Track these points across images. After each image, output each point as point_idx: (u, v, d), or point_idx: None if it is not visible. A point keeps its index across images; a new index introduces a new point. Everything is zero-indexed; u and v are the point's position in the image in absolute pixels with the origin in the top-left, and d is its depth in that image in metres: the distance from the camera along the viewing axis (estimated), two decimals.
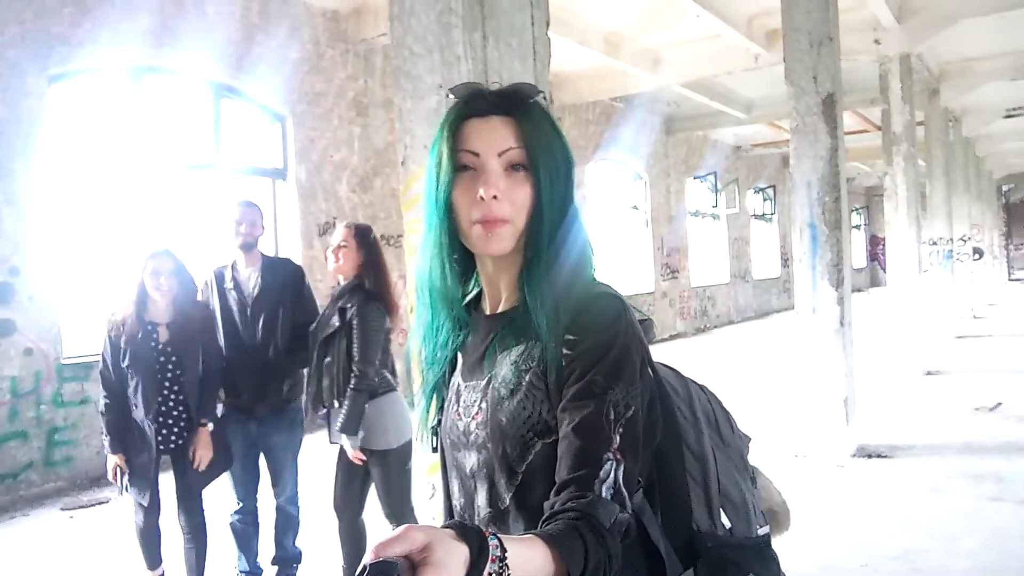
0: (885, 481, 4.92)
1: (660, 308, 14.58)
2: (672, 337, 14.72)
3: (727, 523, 1.13)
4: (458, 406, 1.11)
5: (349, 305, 3.10)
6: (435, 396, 1.18)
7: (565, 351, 0.99)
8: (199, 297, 3.40)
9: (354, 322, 3.06)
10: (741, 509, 1.15)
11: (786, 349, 7.81)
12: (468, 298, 1.16)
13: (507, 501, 1.03)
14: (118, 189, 6.61)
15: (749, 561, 1.12)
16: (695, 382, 1.22)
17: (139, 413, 3.16)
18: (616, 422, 0.94)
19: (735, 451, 1.21)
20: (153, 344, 3.16)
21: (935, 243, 11.65)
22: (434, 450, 1.20)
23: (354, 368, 3.04)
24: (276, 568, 3.60)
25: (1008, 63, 10.86)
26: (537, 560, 0.78)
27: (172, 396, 3.18)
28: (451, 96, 1.10)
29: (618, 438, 0.94)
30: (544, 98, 1.09)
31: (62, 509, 5.20)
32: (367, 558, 0.64)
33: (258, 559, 3.61)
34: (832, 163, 5.45)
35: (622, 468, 0.93)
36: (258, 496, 3.58)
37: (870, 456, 5.45)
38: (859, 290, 25.51)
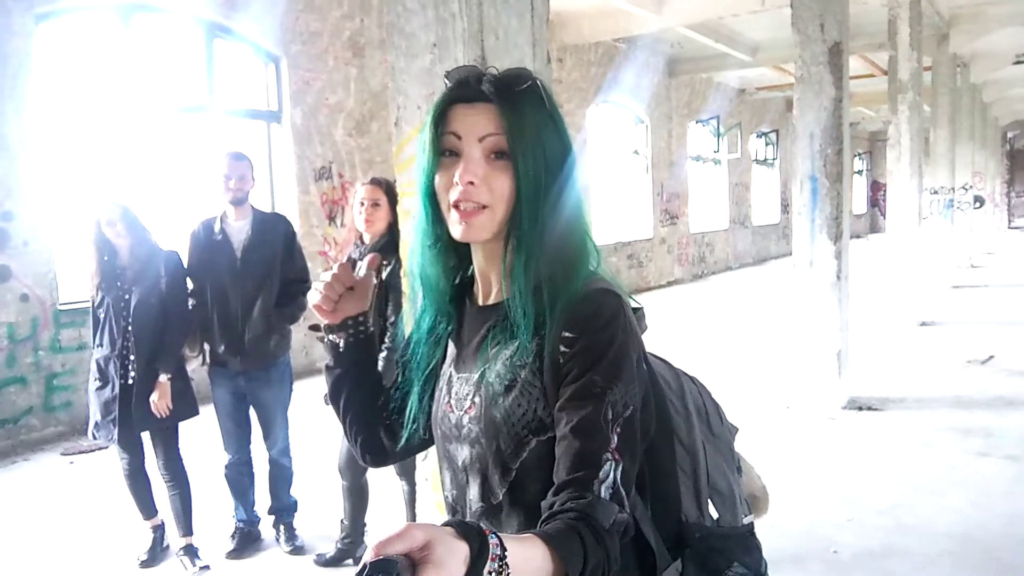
0: (875, 434, 4.98)
1: (658, 254, 14.56)
2: (669, 284, 14.75)
3: (715, 514, 1.15)
4: (450, 397, 1.10)
5: (385, 263, 3.05)
6: (426, 382, 1.17)
7: (562, 348, 0.98)
8: (164, 242, 3.48)
9: (392, 281, 3.02)
10: (728, 500, 1.16)
11: (782, 297, 7.84)
12: (461, 281, 1.14)
13: (500, 496, 1.03)
14: (110, 131, 6.50)
15: (734, 550, 1.14)
16: (686, 374, 1.22)
17: (103, 351, 3.29)
18: (614, 422, 0.94)
19: (724, 443, 1.21)
20: (119, 285, 3.28)
21: (936, 192, 11.56)
22: (420, 439, 1.20)
23: (389, 327, 3.01)
24: (273, 517, 3.68)
25: (1022, 7, 10.59)
26: (536, 559, 0.78)
27: (132, 335, 3.27)
28: (447, 81, 1.06)
29: (616, 438, 0.94)
30: (540, 84, 1.04)
31: (62, 454, 5.28)
32: (368, 556, 0.63)
33: (255, 508, 3.69)
34: (836, 114, 5.37)
35: (620, 468, 0.93)
36: (251, 448, 3.63)
37: (861, 409, 5.51)
38: (858, 236, 25.47)
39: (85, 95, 6.17)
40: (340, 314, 1.18)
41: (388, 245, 3.07)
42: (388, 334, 3.01)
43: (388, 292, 3.03)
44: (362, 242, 3.17)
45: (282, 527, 3.64)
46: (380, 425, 1.23)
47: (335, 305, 1.17)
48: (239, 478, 3.59)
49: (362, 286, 1.18)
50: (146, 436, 3.41)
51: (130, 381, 3.27)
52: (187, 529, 3.47)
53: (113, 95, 6.29)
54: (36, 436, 5.56)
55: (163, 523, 3.55)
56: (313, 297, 1.17)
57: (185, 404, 3.39)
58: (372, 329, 1.23)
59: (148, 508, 3.50)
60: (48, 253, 5.71)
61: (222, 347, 3.43)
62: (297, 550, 3.56)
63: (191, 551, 3.45)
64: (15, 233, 5.49)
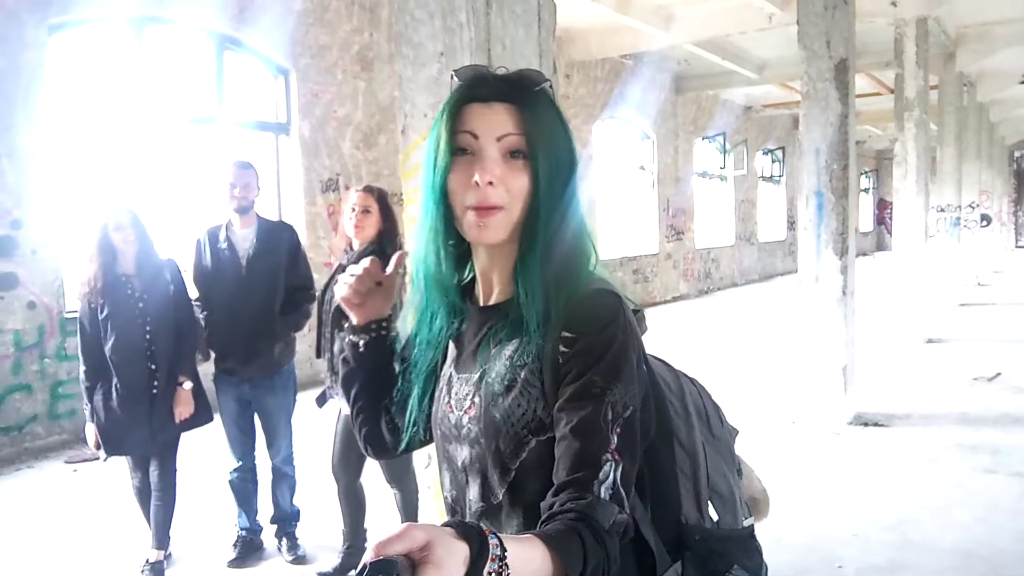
0: (880, 450, 4.95)
1: (664, 269, 14.55)
2: (675, 299, 14.72)
3: (714, 516, 1.14)
4: (449, 397, 1.10)
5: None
6: (426, 384, 1.17)
7: (562, 348, 0.98)
8: (169, 252, 3.46)
9: None
10: (728, 502, 1.16)
11: (788, 313, 7.83)
12: (463, 283, 1.14)
13: (500, 496, 1.03)
14: (120, 142, 6.55)
15: (734, 552, 1.14)
16: (686, 375, 1.22)
17: (116, 362, 3.18)
18: (614, 422, 0.94)
19: (724, 444, 1.21)
20: (130, 293, 3.21)
21: (943, 210, 11.54)
22: (420, 441, 1.20)
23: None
24: (275, 526, 3.67)
25: None
26: (536, 560, 0.78)
27: (152, 345, 3.22)
28: (455, 78, 1.06)
29: (616, 438, 0.93)
30: (551, 86, 1.06)
31: (66, 462, 5.28)
32: (367, 556, 0.64)
33: (258, 516, 3.68)
34: (842, 130, 5.38)
35: (620, 468, 0.92)
36: (255, 455, 3.63)
37: (867, 425, 5.48)
38: (865, 254, 25.38)
39: (96, 106, 6.22)
40: (365, 314, 1.21)
41: (376, 252, 3.10)
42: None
43: None
44: (351, 248, 3.19)
45: (284, 536, 3.63)
46: (384, 422, 1.24)
47: (363, 299, 1.19)
48: (243, 485, 3.59)
49: (389, 283, 1.21)
50: None
51: (154, 391, 3.23)
52: (162, 543, 3.39)
53: (124, 106, 6.34)
54: (40, 444, 5.56)
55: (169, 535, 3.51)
56: (341, 290, 1.19)
57: (201, 410, 3.38)
58: (394, 332, 1.24)
59: None
60: (56, 261, 5.74)
61: (227, 354, 3.44)
62: (299, 560, 3.55)
63: (159, 570, 3.37)
64: (23, 241, 5.52)
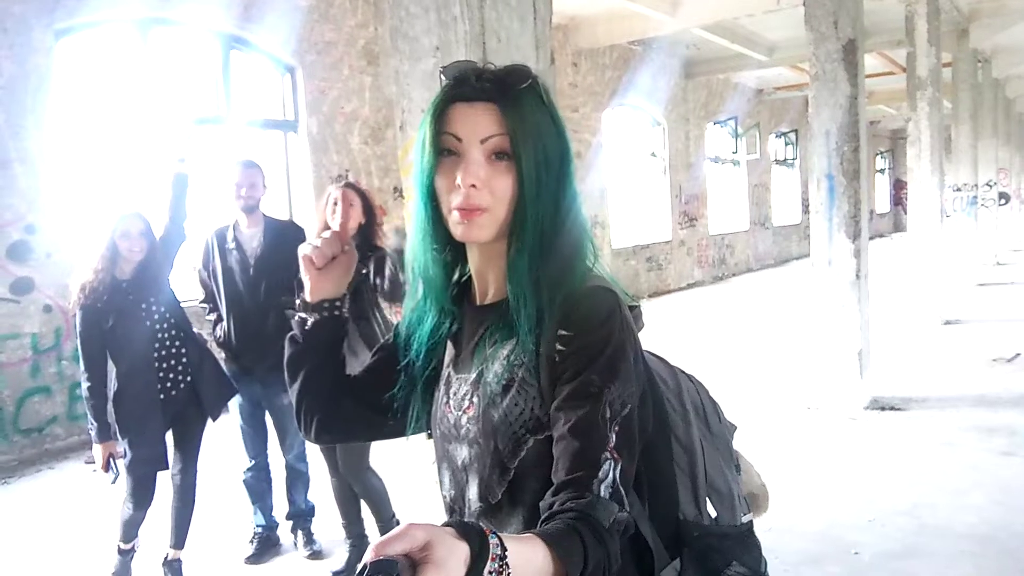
0: (897, 434, 4.91)
1: (678, 256, 14.48)
2: (689, 286, 14.66)
3: (713, 512, 1.14)
4: (448, 398, 1.10)
5: (369, 255, 3.14)
6: (426, 381, 1.17)
7: (558, 347, 0.97)
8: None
9: (378, 281, 3.12)
10: (727, 498, 1.15)
11: (803, 298, 7.80)
12: (458, 281, 1.14)
13: (499, 496, 1.03)
14: (129, 143, 6.60)
15: (733, 549, 1.13)
16: (683, 372, 1.21)
17: (137, 371, 3.06)
18: (612, 420, 0.93)
19: (722, 441, 1.20)
20: (131, 298, 3.09)
21: (959, 189, 11.41)
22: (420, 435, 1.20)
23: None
24: (291, 523, 3.70)
25: None
26: (537, 560, 0.77)
27: (168, 342, 3.15)
28: (443, 76, 1.06)
29: (614, 437, 0.93)
30: (540, 82, 1.03)
31: (86, 462, 5.34)
32: (368, 556, 0.63)
33: (273, 513, 3.71)
34: (852, 112, 5.32)
35: (619, 467, 0.92)
36: (268, 452, 3.66)
37: (883, 409, 5.44)
38: (881, 235, 25.17)
39: (104, 108, 6.27)
40: (320, 289, 1.17)
41: (360, 247, 3.13)
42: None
43: (376, 287, 3.12)
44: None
45: (300, 532, 3.67)
46: (338, 408, 1.21)
47: (323, 266, 1.16)
48: (258, 484, 3.63)
49: (345, 259, 1.18)
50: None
51: (182, 385, 3.17)
52: (181, 542, 3.36)
53: (132, 108, 6.38)
54: (60, 445, 5.64)
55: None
56: (305, 248, 1.15)
57: (227, 385, 3.36)
58: (344, 314, 1.21)
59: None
60: (70, 264, 5.76)
61: (238, 355, 3.46)
62: (315, 554, 3.58)
63: (176, 569, 3.36)
64: (38, 245, 5.58)
